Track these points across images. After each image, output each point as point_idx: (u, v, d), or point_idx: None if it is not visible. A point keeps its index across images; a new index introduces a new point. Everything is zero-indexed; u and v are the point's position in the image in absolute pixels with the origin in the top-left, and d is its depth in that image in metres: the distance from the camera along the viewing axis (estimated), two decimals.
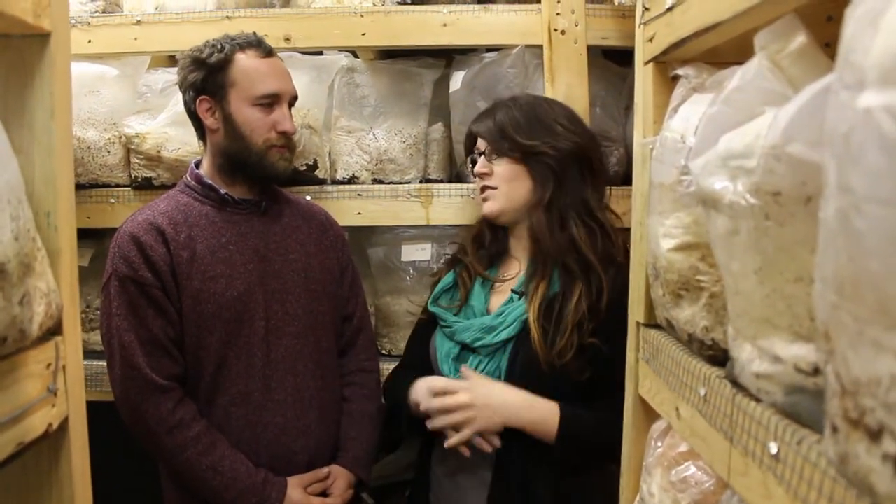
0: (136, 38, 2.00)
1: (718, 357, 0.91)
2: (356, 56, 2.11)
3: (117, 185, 2.04)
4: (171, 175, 1.97)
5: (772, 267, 0.68)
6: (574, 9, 1.89)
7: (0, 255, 0.74)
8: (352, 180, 2.01)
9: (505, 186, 1.62)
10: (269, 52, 1.67)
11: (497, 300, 1.66)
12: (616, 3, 1.99)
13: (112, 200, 2.02)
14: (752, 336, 0.75)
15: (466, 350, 1.61)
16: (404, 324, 2.04)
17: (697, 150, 0.80)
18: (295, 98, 1.71)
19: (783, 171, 0.63)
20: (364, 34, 1.95)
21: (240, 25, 1.88)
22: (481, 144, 1.67)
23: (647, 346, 1.20)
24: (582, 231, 1.58)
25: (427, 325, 1.75)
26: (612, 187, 1.77)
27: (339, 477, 1.71)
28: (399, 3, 1.99)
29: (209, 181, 1.68)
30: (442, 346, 1.64)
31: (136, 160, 1.99)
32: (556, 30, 1.90)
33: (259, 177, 1.68)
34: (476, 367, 1.58)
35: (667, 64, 1.15)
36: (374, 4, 1.98)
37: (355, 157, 2.01)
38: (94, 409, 1.20)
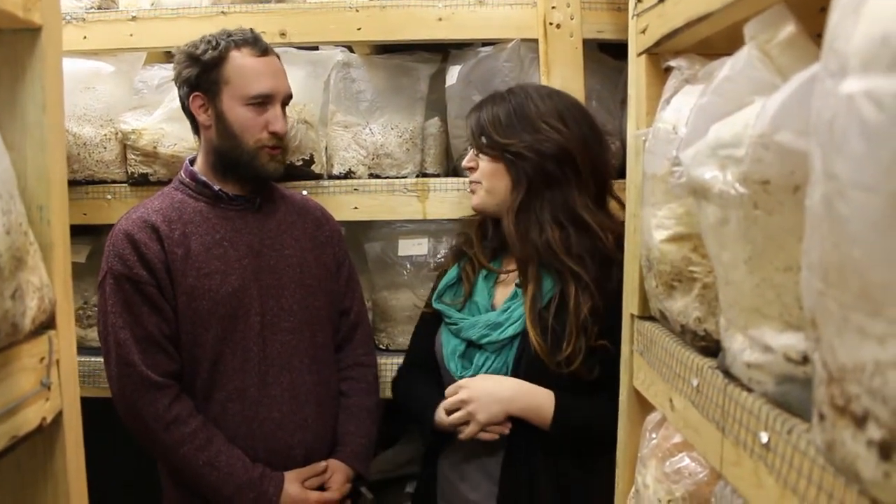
0: (131, 35, 1.99)
1: (711, 348, 0.91)
2: (352, 51, 2.11)
3: (114, 182, 2.04)
4: (168, 171, 1.97)
5: (761, 256, 0.69)
6: (569, 2, 1.89)
7: None
8: (348, 175, 2.01)
9: (487, 182, 1.62)
10: (264, 51, 1.66)
11: (501, 294, 1.66)
12: None
13: (109, 197, 2.02)
14: (743, 326, 0.75)
15: (473, 347, 1.61)
16: (401, 318, 2.04)
17: (688, 141, 0.80)
18: (289, 97, 1.71)
19: (771, 159, 0.63)
20: (359, 29, 1.94)
21: (235, 21, 1.88)
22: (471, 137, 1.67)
23: (640, 338, 1.20)
24: (556, 234, 1.55)
25: (431, 319, 1.75)
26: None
27: (337, 471, 1.71)
28: None
29: (203, 178, 1.68)
30: (448, 344, 1.64)
31: (133, 156, 1.99)
32: (551, 23, 1.89)
33: (249, 177, 1.68)
34: (483, 364, 1.59)
35: (659, 55, 1.15)
36: None
37: (351, 151, 2.01)
38: (91, 405, 1.21)
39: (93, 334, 2.08)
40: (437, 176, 2.06)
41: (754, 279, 0.70)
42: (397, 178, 2.00)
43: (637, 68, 1.22)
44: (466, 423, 1.54)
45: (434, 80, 2.08)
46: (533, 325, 1.52)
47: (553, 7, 1.89)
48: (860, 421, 0.47)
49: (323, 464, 1.71)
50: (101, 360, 1.91)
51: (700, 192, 0.77)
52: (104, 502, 1.29)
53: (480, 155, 1.63)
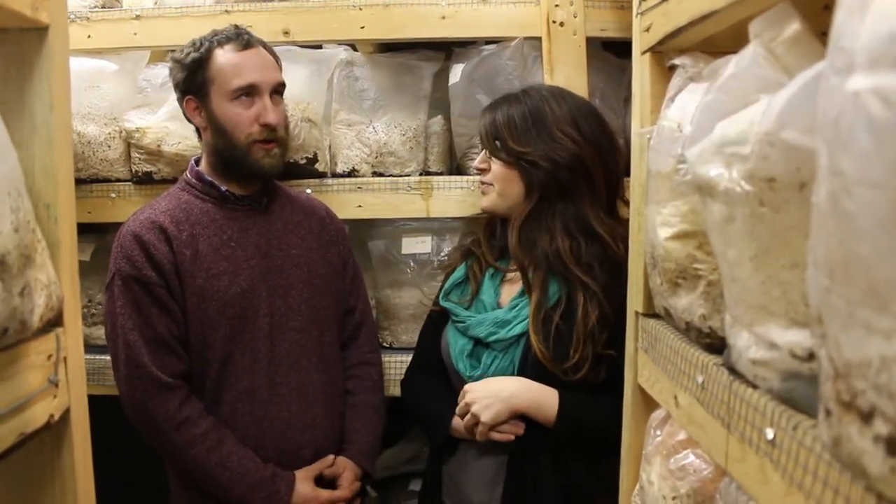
0: (135, 33, 2.00)
1: (716, 345, 0.91)
2: (355, 49, 2.11)
3: (118, 180, 2.04)
4: (172, 169, 1.97)
5: (767, 253, 0.69)
6: (572, 0, 1.89)
7: (0, 246, 0.74)
8: (352, 173, 2.01)
9: (499, 186, 1.61)
10: (247, 44, 1.64)
11: (507, 293, 1.66)
12: None
13: (113, 195, 2.03)
14: (748, 323, 0.75)
15: (480, 346, 1.61)
16: (405, 316, 2.05)
17: (693, 139, 0.81)
18: (281, 86, 1.68)
19: (777, 157, 0.63)
20: (363, 27, 1.94)
21: (238, 19, 1.88)
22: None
23: (645, 336, 1.20)
24: (567, 244, 1.55)
25: (438, 318, 1.75)
26: None
27: (346, 469, 1.72)
28: None
29: (210, 178, 1.68)
30: (455, 343, 1.64)
31: (137, 155, 1.99)
32: (554, 21, 1.89)
33: (245, 174, 1.67)
34: (490, 363, 1.59)
35: (663, 54, 1.15)
36: None
37: (355, 150, 2.01)
38: (96, 402, 1.21)
39: (97, 332, 2.09)
40: (441, 174, 2.06)
41: (760, 276, 0.70)
42: (401, 176, 2.01)
43: (641, 66, 1.22)
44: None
45: (437, 78, 2.08)
46: (535, 332, 1.52)
47: (556, 5, 1.89)
48: (866, 416, 0.47)
49: (331, 457, 1.72)
50: (105, 357, 1.92)
51: (705, 190, 0.77)
52: (109, 500, 1.30)
53: (493, 158, 1.62)
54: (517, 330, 1.57)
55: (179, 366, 1.61)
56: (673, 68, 1.08)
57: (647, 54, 1.18)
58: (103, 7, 2.09)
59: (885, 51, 0.42)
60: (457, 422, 1.60)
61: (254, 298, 1.65)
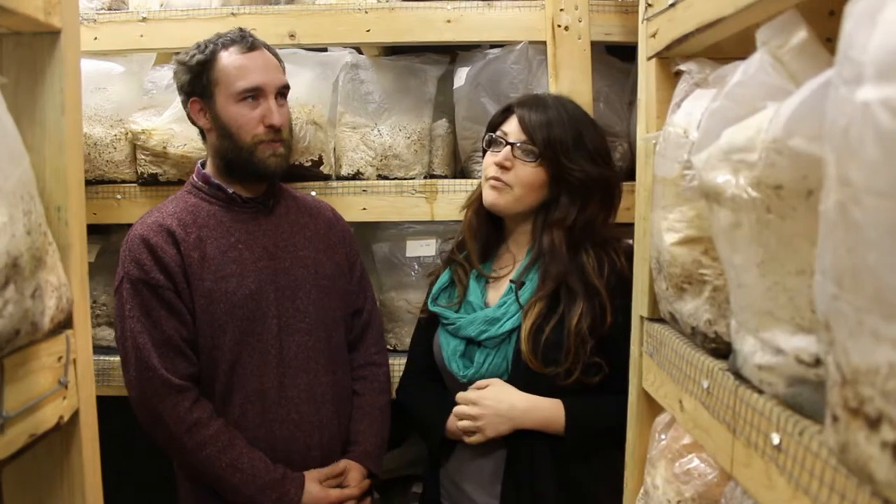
0: (141, 35, 2.01)
1: (721, 350, 0.92)
2: (360, 52, 2.12)
3: (124, 182, 2.05)
4: (177, 171, 1.98)
5: (773, 260, 0.69)
6: (577, 5, 1.89)
7: (13, 249, 0.75)
8: (356, 176, 2.02)
9: (520, 190, 1.59)
10: (251, 47, 1.65)
11: (494, 294, 1.67)
12: None
13: (119, 197, 2.03)
14: (754, 328, 0.76)
15: (472, 345, 1.62)
16: (409, 319, 2.05)
17: (700, 145, 0.81)
18: (285, 88, 1.69)
19: (784, 164, 0.64)
20: (368, 30, 1.95)
21: (244, 22, 1.89)
22: (516, 134, 1.60)
23: (650, 340, 1.21)
24: (592, 258, 1.58)
25: (427, 324, 1.76)
26: None
27: (352, 469, 1.73)
28: (403, 0, 2.00)
29: (216, 181, 1.69)
30: (447, 345, 1.65)
31: (143, 156, 2.00)
32: (559, 26, 1.90)
33: (251, 174, 1.68)
34: (483, 361, 1.60)
35: (670, 59, 1.16)
36: (379, 1, 1.99)
37: (360, 152, 2.02)
38: (101, 403, 1.22)
39: (102, 333, 2.10)
40: (445, 177, 2.07)
41: (766, 282, 0.71)
42: (405, 179, 2.01)
43: (647, 72, 1.23)
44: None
45: (442, 81, 2.09)
46: (526, 341, 1.53)
47: (561, 9, 1.89)
48: (874, 423, 0.48)
49: (342, 464, 1.72)
50: (110, 358, 1.92)
51: (712, 196, 0.77)
52: (117, 500, 1.30)
53: (524, 160, 1.58)
54: (507, 326, 1.58)
55: (189, 368, 1.62)
56: (679, 74, 1.09)
57: (654, 60, 1.19)
58: (110, 9, 2.10)
59: (894, 63, 0.43)
60: (452, 423, 1.61)
61: (262, 300, 1.65)
